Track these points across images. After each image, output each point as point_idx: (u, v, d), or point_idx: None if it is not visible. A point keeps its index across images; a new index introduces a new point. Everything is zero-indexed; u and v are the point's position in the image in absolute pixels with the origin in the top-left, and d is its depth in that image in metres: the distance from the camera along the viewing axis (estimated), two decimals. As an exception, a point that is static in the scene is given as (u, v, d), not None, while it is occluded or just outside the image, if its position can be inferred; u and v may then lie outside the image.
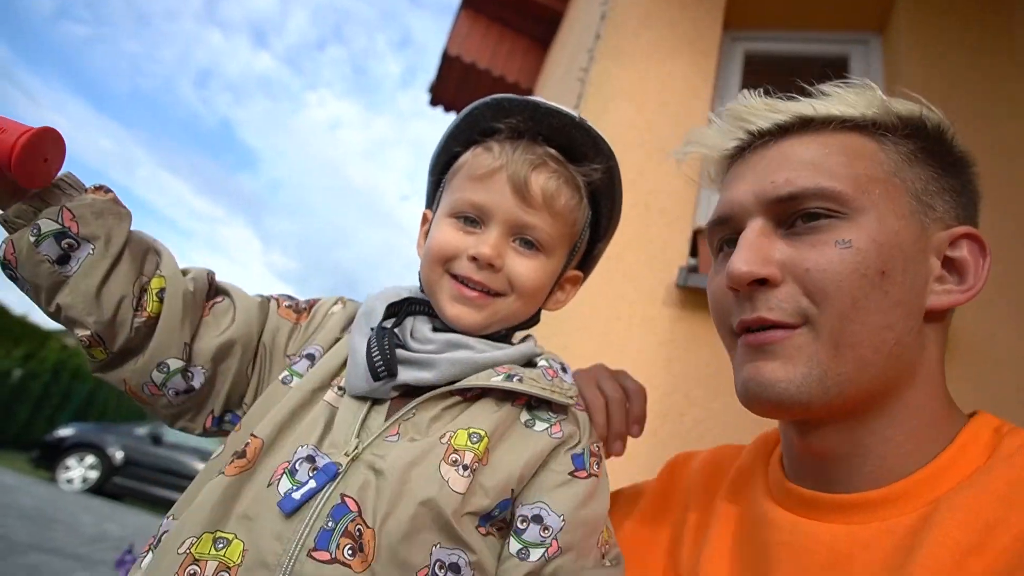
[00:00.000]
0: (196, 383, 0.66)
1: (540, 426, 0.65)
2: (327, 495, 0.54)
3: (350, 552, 0.52)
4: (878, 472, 0.55)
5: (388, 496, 0.55)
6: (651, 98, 2.10)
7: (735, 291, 0.58)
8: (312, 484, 0.55)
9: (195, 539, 0.53)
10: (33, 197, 0.57)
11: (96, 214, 0.59)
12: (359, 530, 0.53)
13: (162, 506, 8.23)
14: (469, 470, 0.57)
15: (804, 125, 0.60)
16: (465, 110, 0.73)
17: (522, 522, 0.60)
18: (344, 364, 0.66)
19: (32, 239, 0.55)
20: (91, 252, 0.58)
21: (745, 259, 0.55)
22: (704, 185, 0.71)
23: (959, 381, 1.47)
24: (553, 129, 0.70)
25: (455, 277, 0.67)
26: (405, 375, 0.63)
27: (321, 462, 0.56)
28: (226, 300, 0.71)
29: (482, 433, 0.60)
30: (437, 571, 0.54)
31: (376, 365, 0.61)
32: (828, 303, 0.53)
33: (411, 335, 0.68)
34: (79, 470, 8.51)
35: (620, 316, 1.72)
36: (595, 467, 0.66)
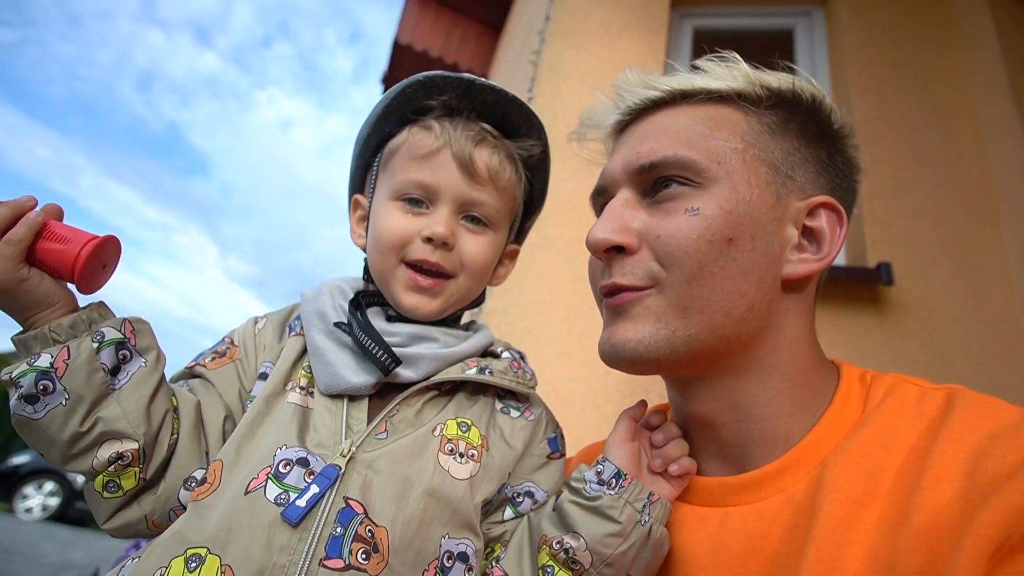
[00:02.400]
0: None
1: (514, 413, 0.69)
2: (331, 500, 0.52)
3: (363, 556, 0.51)
4: (765, 436, 0.57)
5: (393, 493, 0.55)
6: (604, 78, 2.10)
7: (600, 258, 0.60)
8: (315, 489, 0.52)
9: (164, 568, 0.49)
10: (87, 307, 0.56)
11: (146, 331, 0.59)
12: (371, 531, 0.52)
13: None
14: (466, 457, 0.60)
15: (675, 99, 0.62)
16: (396, 88, 0.71)
17: (518, 496, 0.65)
18: (294, 364, 0.64)
19: (94, 345, 0.53)
20: (143, 365, 0.56)
21: (603, 227, 0.58)
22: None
23: (907, 339, 1.54)
24: (487, 105, 0.70)
25: (410, 265, 0.66)
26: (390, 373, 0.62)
27: (317, 465, 0.54)
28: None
29: (469, 422, 0.63)
30: (446, 562, 0.55)
31: (383, 359, 0.61)
32: (675, 267, 0.55)
33: None
34: (38, 498, 8.11)
35: (584, 299, 1.72)
36: (563, 447, 0.71)
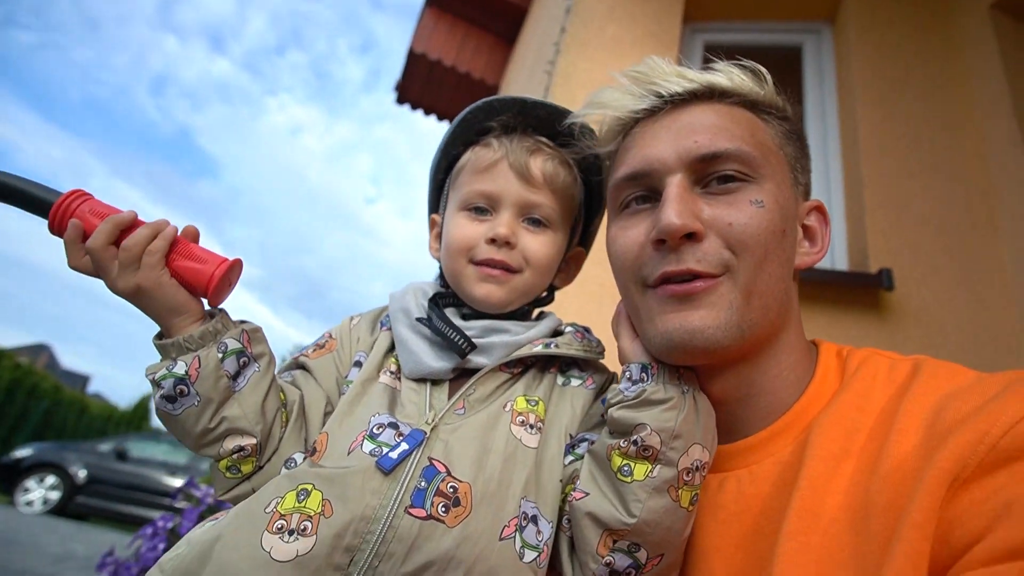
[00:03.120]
0: None
1: (575, 382, 0.74)
2: (417, 458, 0.60)
3: (443, 509, 0.57)
4: (768, 407, 0.62)
5: (473, 456, 0.61)
6: (616, 88, 2.16)
7: (659, 244, 0.60)
8: (405, 446, 0.60)
9: (279, 498, 0.57)
10: (212, 318, 0.64)
11: (260, 338, 0.67)
12: (453, 487, 0.59)
13: (130, 524, 7.93)
14: (535, 428, 0.66)
15: (710, 95, 0.65)
16: (459, 116, 0.79)
17: (575, 446, 0.68)
18: (385, 354, 0.73)
19: (220, 355, 0.62)
20: (257, 369, 0.65)
21: (678, 212, 0.58)
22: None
23: (907, 343, 1.57)
24: (540, 120, 0.79)
25: (478, 264, 0.74)
26: (465, 360, 0.70)
27: (406, 429, 0.62)
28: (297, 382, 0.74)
29: (537, 398, 0.70)
30: (522, 522, 0.60)
31: (459, 343, 0.69)
32: (747, 254, 0.58)
33: None
34: (39, 491, 8.13)
35: (592, 298, 1.77)
36: None
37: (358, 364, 0.73)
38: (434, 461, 0.60)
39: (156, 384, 0.61)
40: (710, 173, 0.61)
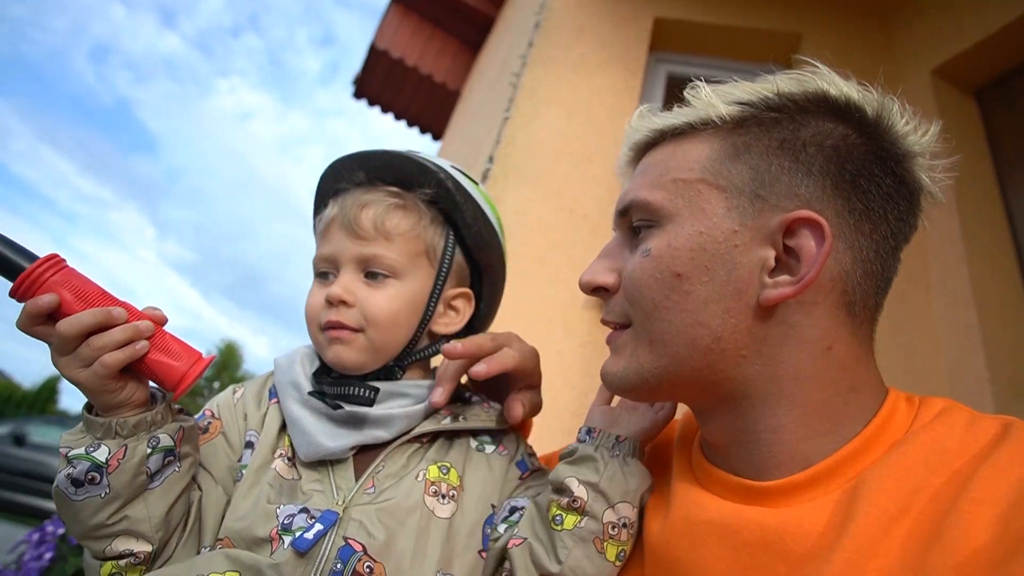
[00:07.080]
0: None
1: (489, 448, 0.73)
2: (332, 539, 0.58)
3: None
4: (782, 459, 0.54)
5: (387, 534, 0.59)
6: (580, 108, 2.15)
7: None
8: (319, 526, 0.58)
9: None
10: (154, 401, 0.60)
11: (193, 435, 0.63)
12: (369, 567, 0.57)
13: (27, 515, 7.29)
14: (448, 498, 0.65)
15: (656, 140, 0.63)
16: (316, 186, 0.80)
17: (510, 514, 0.68)
18: (279, 433, 0.69)
19: (148, 450, 0.57)
20: (177, 470, 0.60)
21: (591, 269, 0.64)
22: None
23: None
24: (382, 168, 0.76)
25: (324, 328, 0.72)
26: (363, 435, 0.67)
27: (317, 513, 0.60)
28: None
29: (449, 465, 0.68)
30: None
31: (363, 394, 0.68)
32: (636, 306, 0.59)
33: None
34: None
35: (543, 318, 1.74)
36: (534, 463, 0.76)
37: (250, 445, 0.68)
38: (350, 540, 0.58)
39: (67, 460, 0.55)
40: (632, 226, 0.62)
